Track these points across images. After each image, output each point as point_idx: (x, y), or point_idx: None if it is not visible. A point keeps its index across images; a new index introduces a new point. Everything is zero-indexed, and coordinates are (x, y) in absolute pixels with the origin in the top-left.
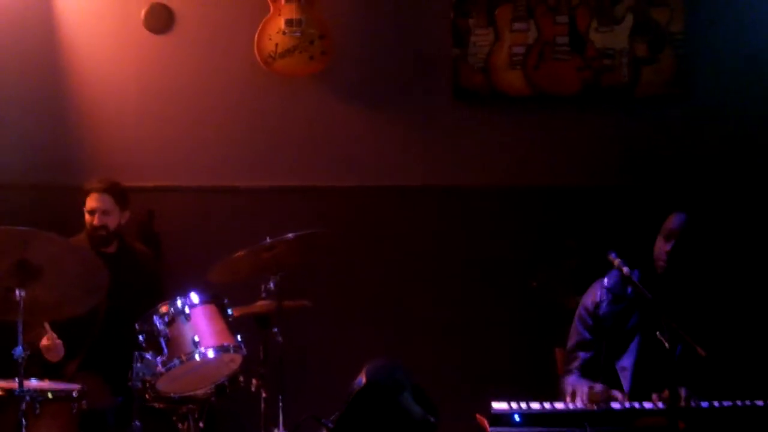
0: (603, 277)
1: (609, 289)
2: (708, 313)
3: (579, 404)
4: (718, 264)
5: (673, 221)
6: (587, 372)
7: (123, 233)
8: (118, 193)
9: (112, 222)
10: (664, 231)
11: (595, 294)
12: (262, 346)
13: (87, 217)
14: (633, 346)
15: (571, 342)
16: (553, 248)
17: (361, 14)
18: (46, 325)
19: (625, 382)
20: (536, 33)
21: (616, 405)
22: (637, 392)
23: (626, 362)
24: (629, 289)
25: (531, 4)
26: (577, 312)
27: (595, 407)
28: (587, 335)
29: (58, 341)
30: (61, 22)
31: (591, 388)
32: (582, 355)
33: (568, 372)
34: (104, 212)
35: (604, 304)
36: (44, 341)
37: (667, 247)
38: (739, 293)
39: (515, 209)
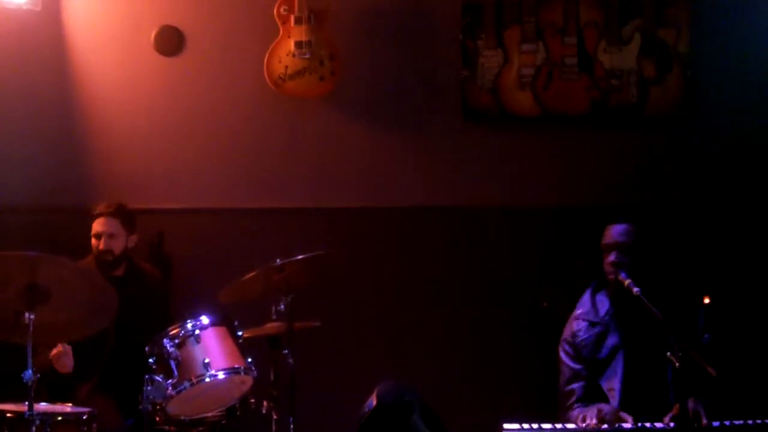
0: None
1: (583, 317)
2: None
3: (591, 424)
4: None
5: (607, 235)
6: (587, 401)
7: (131, 256)
8: (125, 217)
9: (118, 246)
10: (603, 247)
11: (571, 325)
12: (272, 368)
13: (93, 241)
14: (617, 367)
15: (563, 379)
16: (563, 268)
17: (370, 35)
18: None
19: (614, 403)
20: (545, 54)
21: (627, 425)
22: (626, 412)
23: (613, 383)
24: (602, 312)
25: (539, 25)
26: (560, 349)
27: (606, 426)
28: (576, 366)
29: (68, 346)
30: (72, 45)
31: (600, 410)
32: (577, 387)
33: (569, 409)
34: (110, 236)
35: (581, 332)
36: (55, 350)
37: (610, 258)
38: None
39: (525, 229)
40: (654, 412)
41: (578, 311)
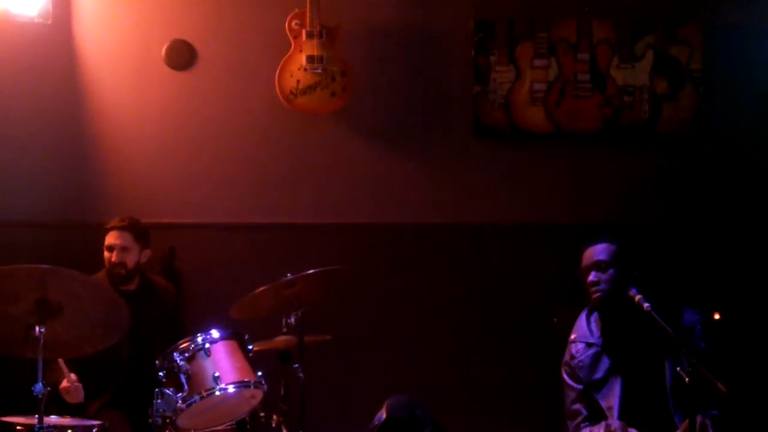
0: None
1: (579, 340)
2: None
3: None
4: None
5: (584, 257)
6: (593, 420)
7: (144, 271)
8: (138, 231)
9: (131, 259)
10: (583, 270)
11: (570, 348)
12: (283, 382)
13: (106, 254)
14: (614, 385)
15: (568, 400)
16: (574, 286)
17: (382, 51)
18: (64, 368)
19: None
20: (557, 70)
21: None
22: None
23: (611, 401)
24: (597, 333)
25: (552, 41)
26: (562, 373)
27: None
28: (578, 386)
29: (78, 384)
30: (82, 58)
31: (608, 426)
32: (581, 407)
33: (577, 428)
34: (123, 249)
35: (579, 354)
36: (64, 383)
37: (589, 278)
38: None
39: (536, 246)
40: (654, 427)
41: (573, 335)
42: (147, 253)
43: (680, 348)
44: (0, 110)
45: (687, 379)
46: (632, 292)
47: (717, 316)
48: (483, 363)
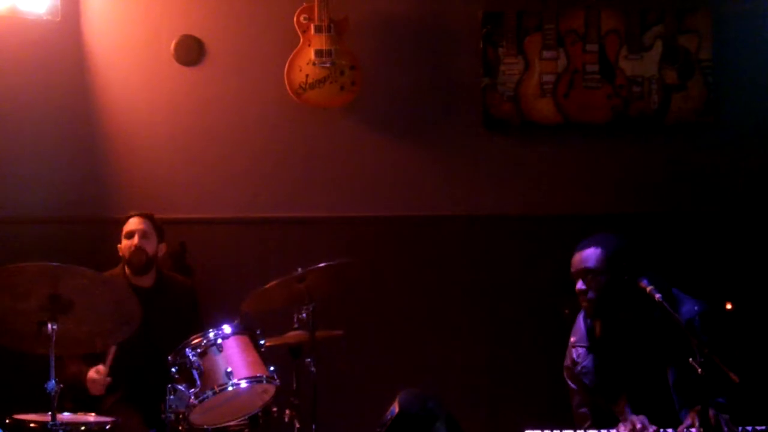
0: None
1: (579, 344)
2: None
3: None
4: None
5: (573, 263)
6: (601, 422)
7: (160, 266)
8: (156, 223)
9: (151, 247)
10: (572, 275)
11: (570, 353)
12: (295, 377)
13: (125, 242)
14: (621, 387)
15: (574, 403)
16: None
17: (390, 45)
18: (110, 355)
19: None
20: (566, 61)
21: None
22: None
23: (622, 405)
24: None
25: (561, 32)
26: (565, 376)
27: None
28: (582, 390)
29: (108, 379)
30: (92, 55)
31: (632, 422)
32: (588, 411)
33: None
34: (143, 234)
35: (580, 359)
36: (92, 374)
37: (577, 286)
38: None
39: (546, 237)
40: (662, 425)
41: (573, 338)
42: (163, 248)
43: (692, 338)
44: (10, 107)
45: (699, 370)
46: (643, 283)
47: (729, 306)
48: (494, 355)
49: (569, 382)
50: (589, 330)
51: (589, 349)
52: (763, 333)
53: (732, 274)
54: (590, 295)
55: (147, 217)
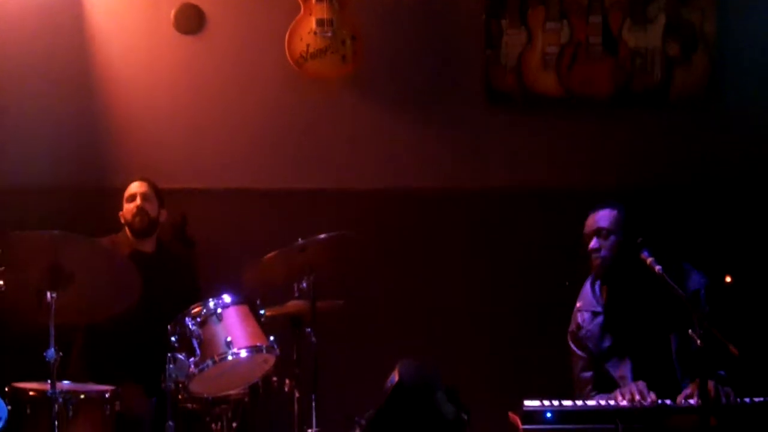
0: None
1: (585, 309)
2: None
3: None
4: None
5: (587, 224)
6: (601, 387)
7: (161, 234)
8: (157, 189)
9: (153, 210)
10: (585, 236)
11: (575, 318)
12: (295, 347)
13: (127, 206)
14: (625, 353)
15: (576, 369)
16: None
17: (392, 15)
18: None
19: None
20: (569, 33)
21: (647, 402)
22: None
23: (623, 370)
24: (603, 301)
25: (564, 4)
26: (569, 341)
27: (627, 404)
28: (585, 355)
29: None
30: (92, 24)
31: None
32: (590, 376)
33: (587, 397)
34: (145, 197)
35: (585, 324)
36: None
37: (591, 244)
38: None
39: (548, 211)
40: (662, 391)
41: (579, 303)
42: (164, 213)
43: (692, 310)
44: (10, 77)
45: (699, 342)
46: (644, 254)
47: (728, 279)
48: (494, 326)
49: (572, 347)
50: (596, 295)
51: (595, 314)
52: (762, 306)
53: (733, 248)
54: (603, 252)
55: (147, 181)
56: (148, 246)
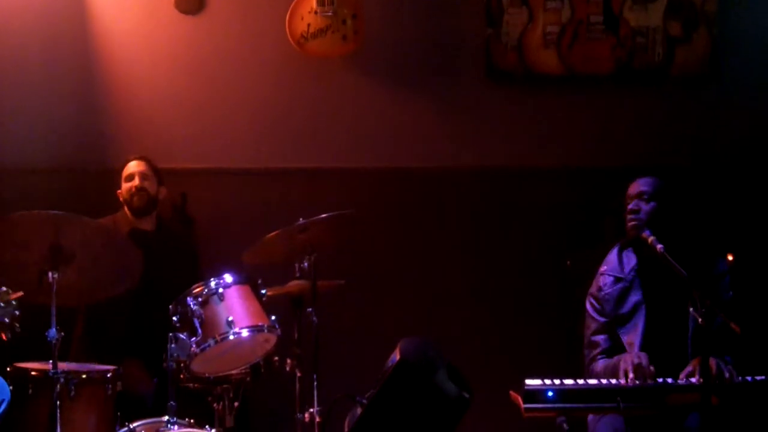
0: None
1: (608, 273)
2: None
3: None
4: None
5: (631, 187)
6: (611, 354)
7: (160, 212)
8: (154, 166)
9: (152, 188)
10: (627, 198)
11: (597, 280)
12: (296, 326)
13: (125, 186)
14: (638, 322)
15: (588, 331)
16: (587, 228)
17: None
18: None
19: None
20: (570, 12)
21: (648, 381)
22: None
23: (633, 337)
24: (627, 269)
25: None
26: (587, 303)
27: (629, 383)
28: (601, 318)
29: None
30: (92, 4)
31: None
32: (601, 339)
33: (593, 360)
34: (143, 176)
35: (606, 287)
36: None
37: (630, 206)
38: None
39: (549, 190)
40: (671, 368)
41: (604, 267)
42: (163, 191)
43: (694, 289)
44: (11, 57)
45: (700, 320)
46: (645, 233)
47: (730, 258)
48: (496, 305)
49: (589, 309)
50: (621, 263)
51: (617, 279)
52: (763, 285)
53: (733, 226)
54: (641, 215)
55: (145, 159)
56: (148, 224)
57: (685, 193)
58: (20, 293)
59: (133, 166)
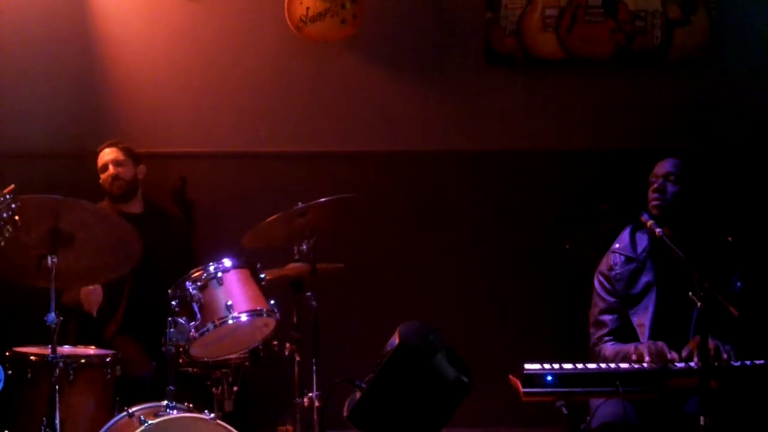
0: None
1: (620, 252)
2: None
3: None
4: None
5: (657, 166)
6: (619, 335)
7: (148, 195)
8: (126, 149)
9: (127, 173)
10: (651, 177)
11: (608, 258)
12: (295, 311)
13: (102, 177)
14: (649, 304)
15: (596, 309)
16: (588, 212)
17: None
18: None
19: (643, 339)
20: None
21: (647, 365)
22: None
23: (643, 319)
24: (639, 249)
25: None
26: (595, 281)
27: (627, 366)
28: (609, 298)
29: (99, 288)
30: None
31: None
32: (609, 319)
33: (600, 341)
34: (117, 163)
35: (617, 266)
36: (86, 288)
37: (654, 185)
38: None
39: (548, 173)
40: (678, 352)
41: (616, 245)
42: (142, 169)
43: (693, 273)
44: (10, 42)
45: (699, 304)
46: (644, 217)
47: (729, 240)
48: (496, 290)
49: (597, 288)
50: (633, 243)
51: (629, 260)
52: (763, 268)
53: (732, 208)
54: (668, 196)
55: (115, 145)
56: (135, 207)
57: (706, 179)
58: (11, 186)
59: (105, 155)
